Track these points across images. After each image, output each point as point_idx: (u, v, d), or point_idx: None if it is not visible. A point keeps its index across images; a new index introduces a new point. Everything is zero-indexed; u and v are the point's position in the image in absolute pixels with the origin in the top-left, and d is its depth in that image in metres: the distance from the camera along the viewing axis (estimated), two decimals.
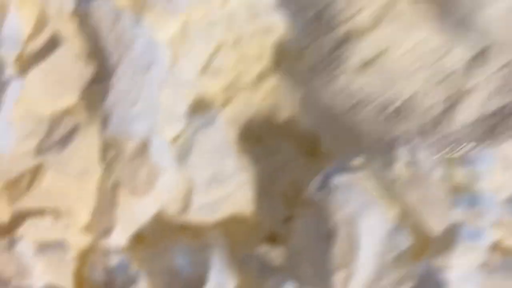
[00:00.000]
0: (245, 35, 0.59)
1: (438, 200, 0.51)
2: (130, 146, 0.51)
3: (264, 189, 0.58)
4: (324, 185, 0.50)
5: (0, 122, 0.48)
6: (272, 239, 0.57)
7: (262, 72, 0.60)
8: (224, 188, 0.55)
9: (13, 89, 0.48)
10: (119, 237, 0.53)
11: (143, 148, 0.50)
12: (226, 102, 0.60)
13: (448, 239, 0.51)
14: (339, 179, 0.50)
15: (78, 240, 0.53)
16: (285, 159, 0.59)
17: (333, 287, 0.49)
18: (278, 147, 0.60)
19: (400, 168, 0.50)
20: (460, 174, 0.53)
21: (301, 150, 0.60)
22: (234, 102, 0.60)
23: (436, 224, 0.51)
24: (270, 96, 0.61)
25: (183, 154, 0.54)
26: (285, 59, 0.61)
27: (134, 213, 0.53)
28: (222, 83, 0.60)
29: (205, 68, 0.58)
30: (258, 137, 0.61)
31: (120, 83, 0.49)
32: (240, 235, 0.57)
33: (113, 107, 0.49)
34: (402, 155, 0.50)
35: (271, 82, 0.60)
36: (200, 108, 0.59)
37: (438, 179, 0.51)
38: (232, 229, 0.57)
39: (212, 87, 0.59)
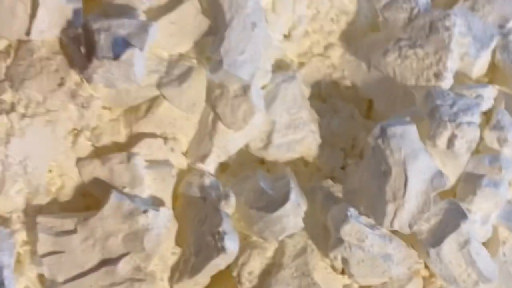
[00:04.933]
0: (322, 12, 0.71)
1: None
2: (234, 88, 0.63)
3: (327, 140, 0.71)
4: (382, 134, 0.62)
5: (140, 59, 0.59)
6: (332, 179, 0.69)
7: (332, 44, 0.73)
8: (298, 133, 0.67)
9: (152, 33, 0.59)
10: (212, 162, 0.65)
11: (245, 91, 0.63)
12: (300, 65, 0.72)
13: (471, 187, 0.63)
14: (394, 130, 0.62)
15: (179, 161, 0.65)
16: (345, 117, 0.72)
17: (386, 215, 0.61)
18: (341, 107, 0.72)
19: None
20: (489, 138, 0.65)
21: (359, 112, 0.73)
22: (307, 66, 0.72)
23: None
24: (337, 65, 0.73)
25: (268, 102, 0.67)
26: (352, 36, 0.73)
27: (227, 144, 0.65)
28: (299, 50, 0.72)
29: (287, 36, 0.71)
30: (324, 97, 0.73)
31: (231, 36, 0.61)
32: (305, 173, 0.69)
33: (224, 54, 0.61)
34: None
35: (339, 53, 0.73)
36: (281, 67, 0.71)
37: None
38: (299, 168, 0.69)
39: (291, 51, 0.72)
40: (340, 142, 0.71)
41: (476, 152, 0.67)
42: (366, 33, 0.73)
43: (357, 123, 0.72)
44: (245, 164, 0.68)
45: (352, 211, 0.62)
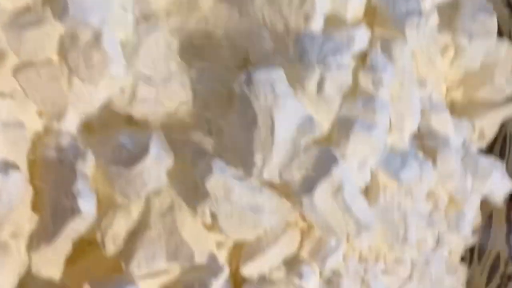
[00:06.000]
0: None
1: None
2: (84, 36, 0.58)
3: (200, 92, 0.67)
4: (248, 80, 0.59)
5: None
6: (209, 133, 0.66)
7: None
8: (167, 86, 0.63)
9: None
10: (71, 122, 0.61)
11: (97, 39, 0.58)
12: (168, 16, 0.68)
13: (344, 131, 0.61)
14: (260, 75, 0.59)
15: (34, 123, 0.60)
16: (220, 67, 0.68)
17: (254, 165, 0.58)
18: (215, 58, 0.68)
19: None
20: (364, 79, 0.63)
21: (234, 61, 0.69)
22: (175, 17, 0.68)
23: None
24: (209, 15, 0.69)
25: (131, 53, 0.62)
26: None
27: (85, 100, 0.60)
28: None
29: None
30: (197, 48, 0.69)
31: None
32: (177, 128, 0.65)
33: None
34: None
35: (210, 2, 0.69)
36: (145, 18, 0.66)
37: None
38: (171, 122, 0.65)
39: (158, 2, 0.67)
40: (214, 94, 0.68)
41: (352, 96, 0.64)
42: None
43: (232, 73, 0.68)
44: (111, 124, 0.64)
45: (218, 162, 0.58)
